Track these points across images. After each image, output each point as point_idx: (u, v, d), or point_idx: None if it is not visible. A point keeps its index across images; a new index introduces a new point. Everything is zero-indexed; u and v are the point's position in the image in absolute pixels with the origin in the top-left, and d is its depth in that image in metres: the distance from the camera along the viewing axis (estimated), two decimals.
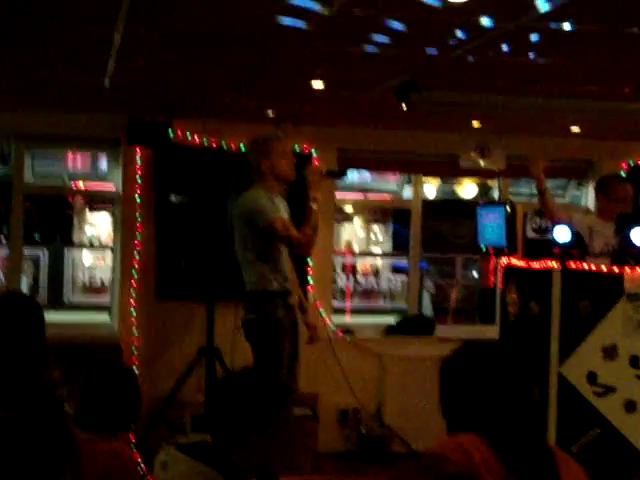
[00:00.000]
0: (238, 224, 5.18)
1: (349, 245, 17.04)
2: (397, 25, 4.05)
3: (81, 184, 10.41)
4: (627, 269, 5.34)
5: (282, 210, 5.20)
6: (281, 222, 5.05)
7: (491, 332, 7.46)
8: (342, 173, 5.48)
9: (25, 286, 10.81)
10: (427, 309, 13.16)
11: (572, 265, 5.50)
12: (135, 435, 6.02)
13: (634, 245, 5.39)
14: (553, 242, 5.79)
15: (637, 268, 5.34)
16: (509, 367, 2.47)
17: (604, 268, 5.39)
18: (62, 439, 1.98)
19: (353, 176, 11.89)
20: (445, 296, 14.60)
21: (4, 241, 13.73)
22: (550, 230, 6.20)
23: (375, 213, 18.04)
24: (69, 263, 14.30)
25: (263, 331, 5.10)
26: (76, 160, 11.94)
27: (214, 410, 2.73)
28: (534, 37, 4.21)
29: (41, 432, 1.96)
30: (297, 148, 7.10)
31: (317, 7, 3.77)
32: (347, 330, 7.79)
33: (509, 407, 2.36)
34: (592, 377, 5.29)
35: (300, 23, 4.05)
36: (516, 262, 6.06)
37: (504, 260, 6.20)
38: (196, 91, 6.14)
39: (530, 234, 6.88)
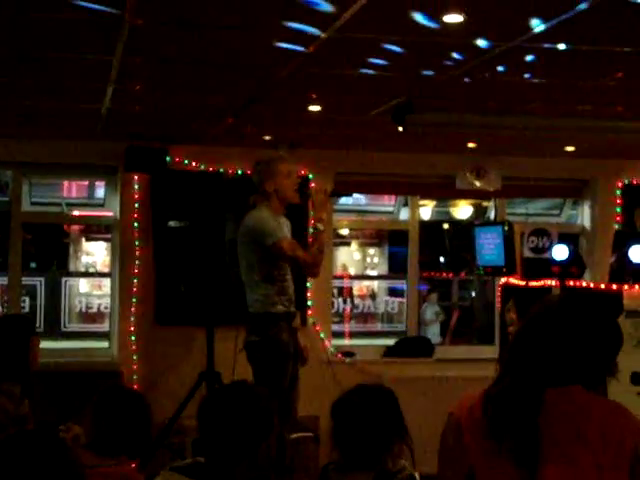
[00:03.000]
0: (243, 245, 5.16)
1: (345, 268, 17.06)
2: (393, 47, 4.09)
3: (77, 213, 10.46)
4: (626, 286, 5.36)
5: (286, 230, 5.21)
6: (287, 242, 5.05)
7: (489, 352, 7.47)
8: (347, 192, 5.48)
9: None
10: (435, 336, 13.02)
11: (571, 283, 5.52)
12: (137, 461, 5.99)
13: (632, 263, 5.42)
14: (551, 261, 5.82)
15: (636, 286, 5.36)
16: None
17: (603, 286, 5.42)
18: (60, 461, 1.98)
19: (349, 199, 11.95)
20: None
21: None
22: (548, 249, 6.24)
23: (371, 236, 18.08)
24: (66, 291, 14.28)
25: (267, 354, 5.07)
26: (72, 188, 11.98)
27: (206, 425, 2.72)
28: (529, 57, 4.25)
29: (40, 454, 1.96)
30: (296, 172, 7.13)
31: (314, 30, 3.81)
32: (347, 352, 7.79)
33: None
34: None
35: (297, 47, 4.09)
36: (515, 281, 6.07)
37: (503, 280, 6.22)
38: (193, 117, 6.17)
39: (527, 253, 6.89)
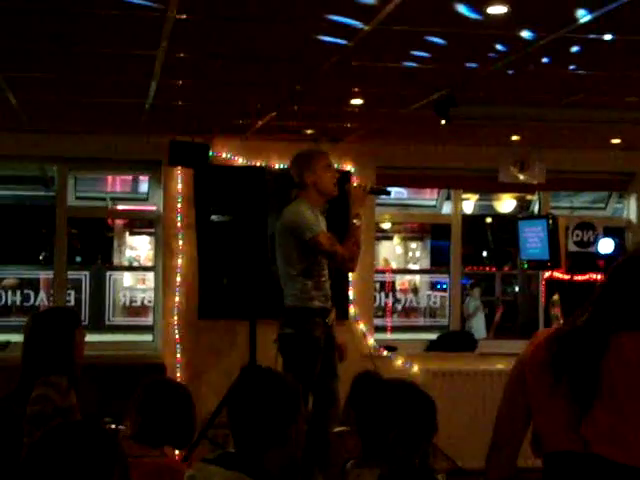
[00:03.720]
0: (282, 238, 5.16)
1: (387, 262, 17.03)
2: (436, 40, 4.07)
3: (121, 207, 10.56)
4: None
5: (323, 225, 5.20)
6: (325, 237, 5.05)
7: None
8: (385, 191, 5.46)
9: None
10: (480, 331, 12.92)
11: None
12: (180, 455, 6.04)
13: None
14: (597, 254, 5.75)
15: None
16: None
17: None
18: (106, 446, 2.00)
19: (391, 192, 11.90)
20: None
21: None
22: (593, 243, 6.17)
23: (413, 230, 18.03)
24: (110, 285, 14.44)
25: (299, 348, 5.08)
26: (116, 182, 12.10)
27: (234, 413, 2.74)
28: (574, 49, 4.20)
29: (86, 444, 1.99)
30: (336, 166, 7.13)
31: (356, 23, 3.80)
32: (389, 347, 7.77)
33: None
34: None
35: (339, 40, 4.08)
36: (559, 275, 6.02)
37: (547, 274, 6.16)
38: (235, 111, 6.19)
39: (572, 247, 6.82)
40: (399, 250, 18.53)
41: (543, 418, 2.35)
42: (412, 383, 3.06)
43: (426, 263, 18.13)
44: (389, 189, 5.45)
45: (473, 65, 4.61)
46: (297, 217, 5.06)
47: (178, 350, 7.26)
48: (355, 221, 5.13)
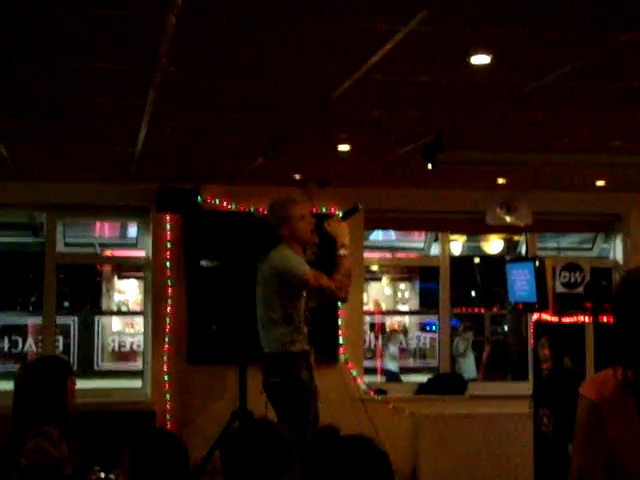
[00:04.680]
0: (266, 281, 5.17)
1: (377, 304, 17.02)
2: (421, 88, 4.14)
3: (110, 253, 10.57)
4: None
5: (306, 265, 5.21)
6: (311, 274, 5.07)
7: (524, 388, 7.41)
8: (356, 209, 5.47)
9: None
10: (470, 371, 12.89)
11: (604, 319, 5.48)
12: None
13: None
14: (584, 296, 5.79)
15: None
16: None
17: None
18: None
19: (379, 235, 11.96)
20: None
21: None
22: (580, 284, 6.21)
23: (402, 271, 18.05)
24: (99, 330, 14.38)
25: (289, 394, 5.06)
26: (105, 228, 12.11)
27: (228, 464, 2.73)
28: (558, 95, 4.27)
29: None
30: (324, 209, 7.18)
31: (342, 72, 3.86)
32: (379, 390, 7.77)
33: None
34: None
35: (324, 89, 4.15)
36: (547, 317, 6.04)
37: (535, 316, 6.19)
38: (224, 157, 6.25)
39: (559, 289, 6.86)
40: (388, 291, 18.54)
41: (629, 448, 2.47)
42: (369, 439, 2.95)
43: (415, 304, 18.13)
44: (358, 205, 5.45)
45: (458, 111, 4.68)
46: (283, 261, 5.09)
47: (168, 396, 7.23)
48: (341, 252, 5.15)
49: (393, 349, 13.96)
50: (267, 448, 2.67)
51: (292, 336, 5.07)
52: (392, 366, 13.54)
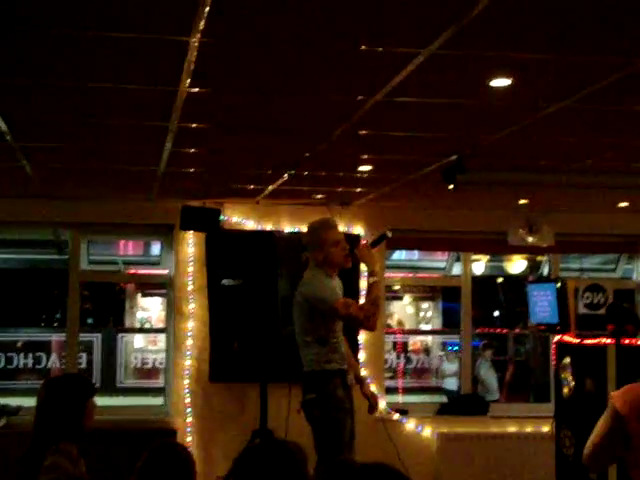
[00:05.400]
0: (299, 307, 5.25)
1: (401, 323, 16.99)
2: (442, 110, 4.16)
3: (133, 270, 10.64)
4: None
5: (339, 291, 5.26)
6: (342, 303, 5.11)
7: (545, 410, 7.37)
8: (385, 236, 5.50)
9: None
10: (493, 392, 12.79)
11: (626, 342, 5.46)
12: None
13: None
14: (606, 318, 5.77)
15: None
16: None
17: None
18: None
19: (401, 255, 11.95)
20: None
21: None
22: (603, 305, 6.19)
23: (425, 290, 18.01)
24: (121, 347, 14.42)
25: (325, 411, 5.11)
26: (129, 246, 12.18)
27: None
28: (578, 117, 4.28)
29: None
30: (346, 229, 7.20)
31: (363, 95, 3.90)
32: (400, 410, 7.75)
33: None
34: None
35: (347, 110, 4.18)
36: (569, 339, 6.02)
37: (557, 337, 6.17)
38: (246, 177, 6.29)
39: (582, 310, 6.83)
40: (410, 310, 18.50)
41: None
42: (389, 467, 2.87)
43: (438, 323, 18.08)
44: (387, 233, 5.48)
45: (479, 133, 4.69)
46: (315, 290, 5.15)
47: (189, 413, 7.26)
48: (370, 279, 5.19)
49: (450, 367, 13.78)
50: (278, 468, 2.68)
51: (328, 355, 5.14)
52: (451, 385, 13.35)
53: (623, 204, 7.06)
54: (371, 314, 5.12)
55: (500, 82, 3.60)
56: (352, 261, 5.29)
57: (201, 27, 2.97)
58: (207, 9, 2.80)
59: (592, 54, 3.29)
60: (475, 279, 8.39)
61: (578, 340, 5.91)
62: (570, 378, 5.95)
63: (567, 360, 6.02)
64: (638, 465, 3.04)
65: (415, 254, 11.75)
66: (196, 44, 3.15)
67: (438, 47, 3.16)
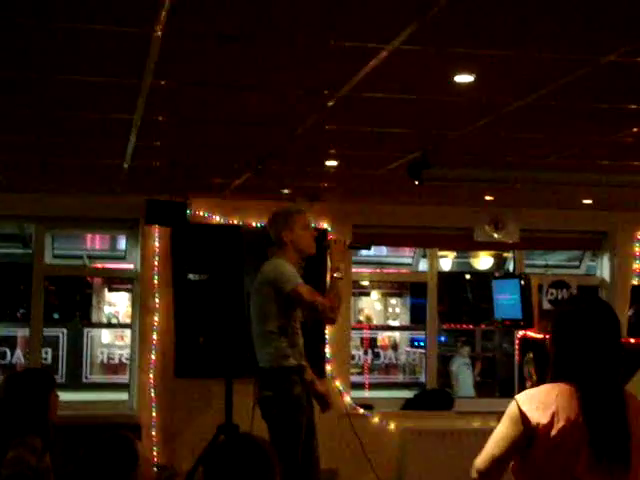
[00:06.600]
0: (260, 293, 5.15)
1: (369, 319, 17.02)
2: (406, 105, 4.17)
3: (99, 265, 10.57)
4: None
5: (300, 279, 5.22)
6: (306, 288, 5.07)
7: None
8: (367, 246, 5.50)
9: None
10: (466, 388, 12.80)
11: None
12: None
13: None
14: None
15: None
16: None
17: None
18: None
19: (368, 251, 11.98)
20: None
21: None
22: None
23: (392, 286, 18.06)
24: (88, 342, 14.32)
25: (281, 409, 5.05)
26: (94, 240, 12.09)
27: (211, 478, 2.73)
28: (542, 114, 4.31)
29: None
30: (312, 225, 7.19)
31: (329, 90, 3.90)
32: (365, 405, 7.77)
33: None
34: None
35: (313, 105, 4.18)
36: (533, 334, 6.07)
37: (521, 333, 6.22)
38: (212, 172, 6.27)
39: (546, 305, 6.89)
40: (378, 306, 18.54)
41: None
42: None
43: (406, 319, 18.13)
44: (370, 245, 5.48)
45: (444, 129, 4.71)
46: (277, 270, 5.08)
47: (154, 409, 7.23)
48: (336, 274, 5.17)
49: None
50: (249, 463, 2.68)
51: (287, 350, 5.07)
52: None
53: (587, 201, 7.13)
54: (335, 307, 5.11)
55: (464, 78, 3.61)
56: (316, 250, 5.26)
57: (163, 19, 2.95)
58: (168, 1, 2.79)
59: (555, 51, 3.31)
60: (443, 275, 8.44)
61: (541, 335, 5.96)
62: (533, 373, 6.00)
63: (530, 355, 6.07)
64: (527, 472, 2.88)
65: (383, 250, 11.78)
66: (159, 36, 3.13)
67: (401, 42, 3.16)
